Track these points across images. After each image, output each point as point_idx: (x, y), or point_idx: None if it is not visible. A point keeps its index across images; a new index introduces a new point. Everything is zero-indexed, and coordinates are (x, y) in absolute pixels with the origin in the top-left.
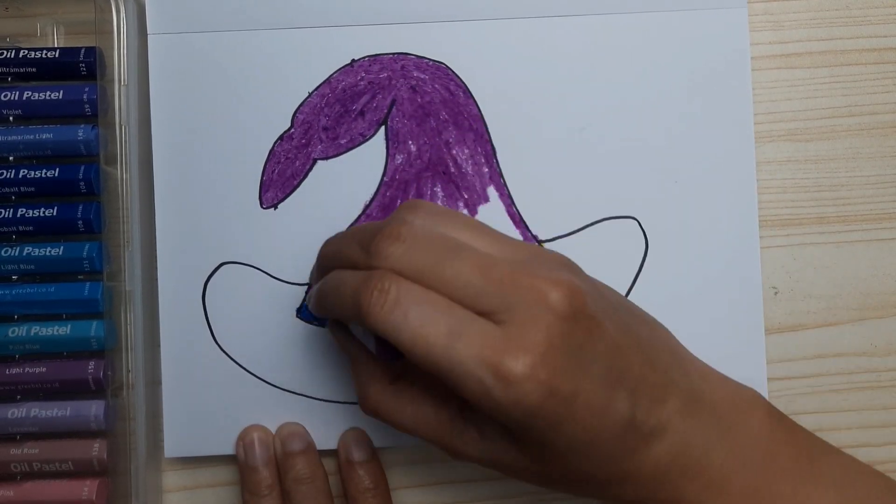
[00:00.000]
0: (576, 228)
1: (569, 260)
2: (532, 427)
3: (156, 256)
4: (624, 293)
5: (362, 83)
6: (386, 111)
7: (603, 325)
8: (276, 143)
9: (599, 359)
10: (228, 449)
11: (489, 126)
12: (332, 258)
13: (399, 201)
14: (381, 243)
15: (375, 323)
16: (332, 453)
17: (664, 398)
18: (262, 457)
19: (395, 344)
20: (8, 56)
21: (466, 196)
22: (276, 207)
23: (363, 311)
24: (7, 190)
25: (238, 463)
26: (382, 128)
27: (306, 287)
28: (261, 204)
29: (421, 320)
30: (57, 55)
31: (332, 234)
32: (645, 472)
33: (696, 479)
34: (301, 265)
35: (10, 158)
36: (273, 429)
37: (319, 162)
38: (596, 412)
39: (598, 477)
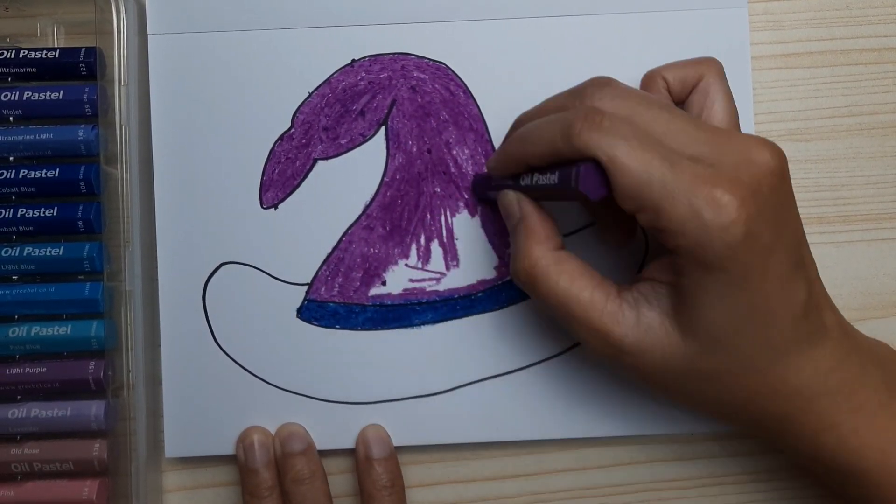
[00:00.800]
0: (576, 228)
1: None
2: (728, 270)
3: (156, 256)
4: None
5: (362, 83)
6: (386, 111)
7: (794, 202)
8: (276, 143)
9: (791, 232)
10: (229, 449)
11: (489, 126)
12: (533, 113)
13: (399, 202)
14: (593, 87)
15: (587, 142)
16: (332, 453)
17: (829, 308)
18: (262, 459)
19: (610, 161)
20: (8, 56)
21: (467, 196)
22: (276, 207)
23: (575, 133)
24: (7, 190)
25: (238, 464)
26: (383, 128)
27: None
28: (261, 204)
29: (638, 142)
30: (57, 55)
31: (332, 233)
32: (803, 377)
33: (850, 398)
34: (301, 265)
35: (11, 158)
36: (273, 429)
37: (320, 162)
38: (784, 282)
39: (755, 376)
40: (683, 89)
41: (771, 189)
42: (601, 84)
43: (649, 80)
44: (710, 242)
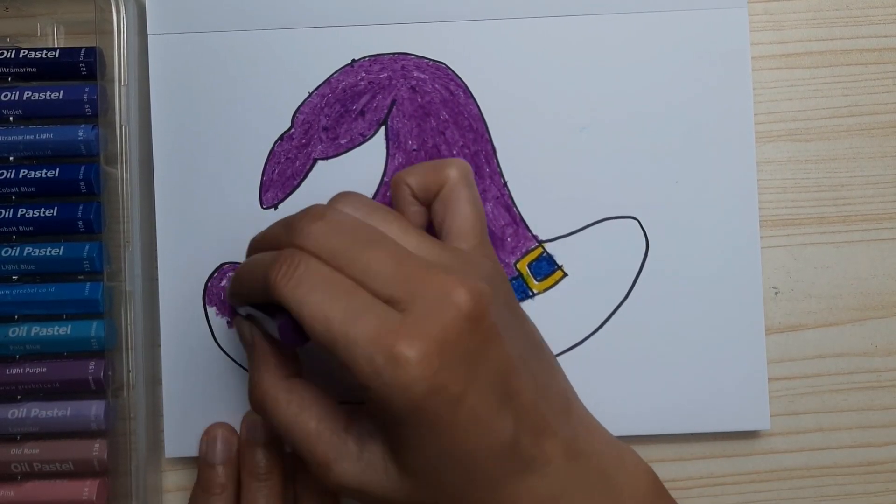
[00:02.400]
0: (576, 228)
1: (497, 271)
2: (414, 423)
3: (156, 256)
4: (624, 293)
5: (362, 83)
6: (386, 111)
7: (502, 339)
8: (276, 143)
9: (491, 371)
10: None
11: (489, 126)
12: (258, 242)
13: None
14: (302, 221)
15: (280, 295)
16: None
17: (550, 434)
18: (221, 455)
19: (297, 317)
20: (8, 56)
21: None
22: (276, 208)
23: (270, 283)
24: (7, 190)
25: (199, 457)
26: (383, 128)
27: None
28: (261, 204)
29: (323, 297)
30: (57, 55)
31: None
32: None
33: None
34: None
35: (11, 158)
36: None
37: (320, 162)
38: (480, 424)
39: None
40: (427, 196)
41: (462, 334)
42: (313, 217)
43: (395, 186)
44: (392, 399)
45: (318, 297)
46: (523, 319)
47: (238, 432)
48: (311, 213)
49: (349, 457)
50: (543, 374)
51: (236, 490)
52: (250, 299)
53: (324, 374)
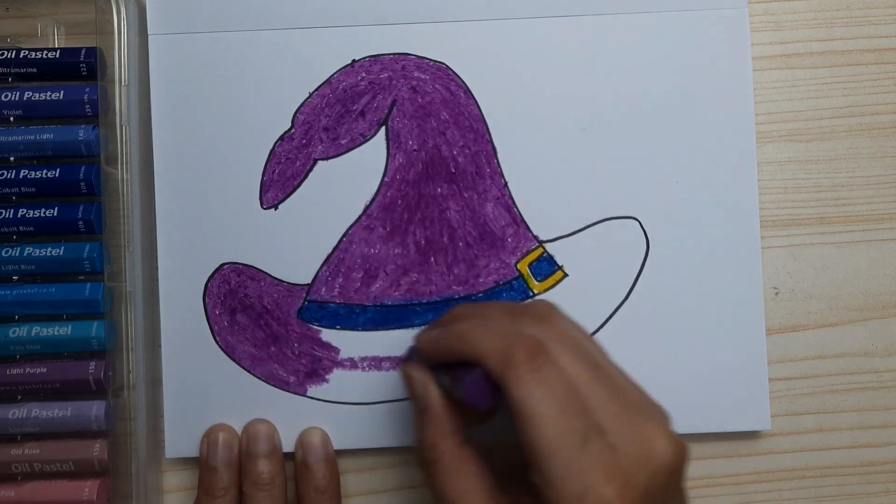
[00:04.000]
0: (577, 228)
1: (668, 414)
2: None
3: (156, 257)
4: (625, 294)
5: (363, 83)
6: (387, 111)
7: (683, 494)
8: (276, 143)
9: None
10: None
11: (490, 126)
12: (473, 312)
13: (400, 202)
14: (534, 318)
15: (520, 381)
16: (337, 453)
17: None
18: (223, 457)
19: (527, 413)
20: (8, 56)
21: (467, 196)
22: (276, 208)
23: (513, 364)
24: (8, 190)
25: (199, 460)
26: (383, 128)
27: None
28: (261, 204)
29: (564, 405)
30: (57, 55)
31: (332, 234)
32: None
33: None
34: (301, 265)
35: (11, 159)
36: (279, 430)
37: (320, 162)
38: None
39: None
40: None
41: (661, 486)
42: (544, 317)
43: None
44: None
45: (556, 406)
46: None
47: (238, 434)
48: (541, 312)
49: None
50: None
51: (238, 493)
52: (456, 355)
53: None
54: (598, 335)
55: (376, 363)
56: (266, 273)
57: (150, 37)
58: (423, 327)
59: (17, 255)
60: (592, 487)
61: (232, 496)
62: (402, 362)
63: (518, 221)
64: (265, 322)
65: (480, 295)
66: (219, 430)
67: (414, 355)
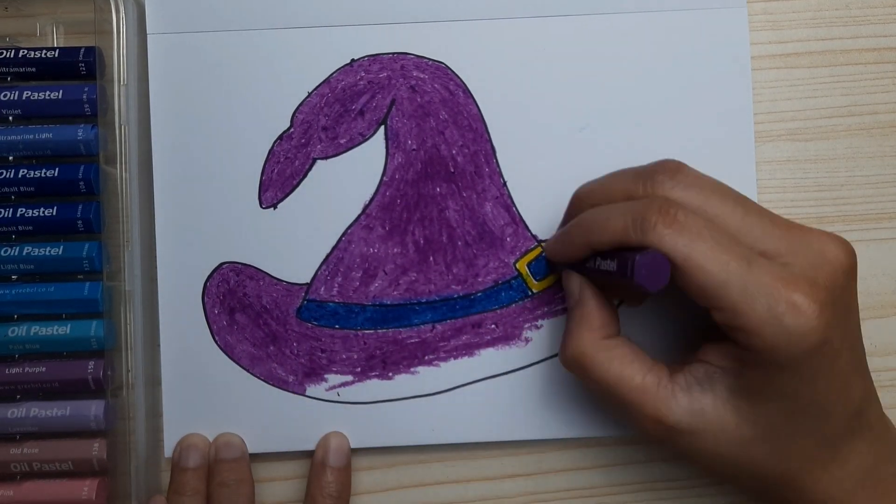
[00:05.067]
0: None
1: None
2: (794, 372)
3: (155, 256)
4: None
5: (362, 83)
6: (385, 111)
7: (857, 300)
8: (275, 142)
9: (854, 330)
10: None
11: (489, 125)
12: (597, 194)
13: (399, 201)
14: (664, 175)
15: (662, 240)
16: None
17: (876, 401)
18: (194, 461)
19: (685, 261)
20: (7, 56)
21: (466, 195)
22: (275, 207)
23: (650, 227)
24: (7, 190)
25: (171, 465)
26: (382, 127)
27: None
28: (260, 204)
29: (715, 241)
30: (56, 55)
31: (331, 233)
32: (848, 469)
33: (886, 495)
34: (300, 265)
35: (10, 158)
36: (275, 428)
37: (319, 162)
38: (844, 381)
39: (803, 460)
40: None
41: (843, 290)
42: (672, 171)
43: None
44: (787, 346)
45: (708, 243)
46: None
47: (199, 438)
48: (668, 167)
49: (679, 407)
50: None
51: (205, 499)
52: (595, 248)
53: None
54: None
55: (375, 363)
56: (265, 272)
57: (149, 36)
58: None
59: (16, 254)
60: (778, 298)
61: (202, 498)
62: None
63: (517, 221)
64: (264, 321)
65: (479, 294)
66: (192, 437)
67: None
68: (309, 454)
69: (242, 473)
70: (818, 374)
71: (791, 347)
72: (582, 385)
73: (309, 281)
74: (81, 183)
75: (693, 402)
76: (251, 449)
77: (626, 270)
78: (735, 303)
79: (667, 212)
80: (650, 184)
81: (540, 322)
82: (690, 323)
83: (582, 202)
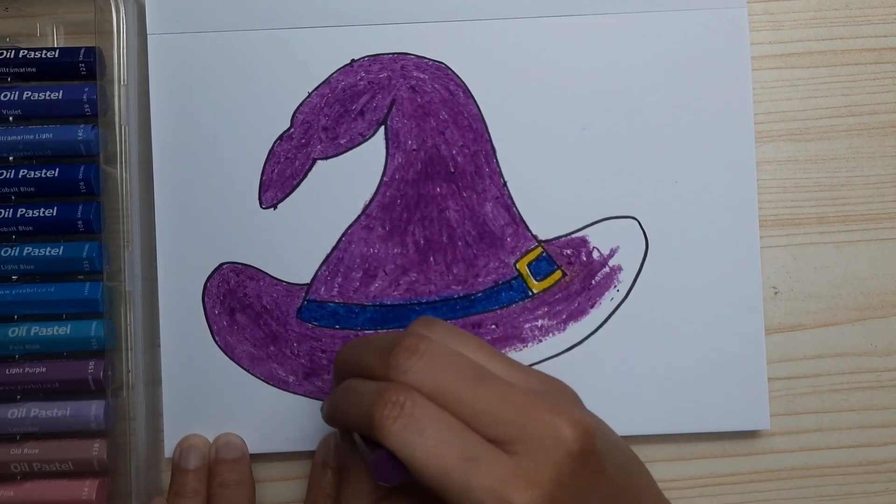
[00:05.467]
0: (576, 228)
1: (575, 394)
2: None
3: (156, 256)
4: (624, 293)
5: (362, 83)
6: (386, 111)
7: (605, 467)
8: (275, 142)
9: (598, 499)
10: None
11: (489, 126)
12: (349, 366)
13: (399, 201)
14: (400, 356)
15: (387, 437)
16: None
17: None
18: (194, 461)
19: (406, 461)
20: (8, 56)
21: (466, 195)
22: (275, 207)
23: (375, 424)
24: (7, 190)
25: (172, 466)
26: (382, 128)
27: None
28: (260, 204)
29: (436, 440)
30: (57, 55)
31: (331, 233)
32: None
33: None
34: (301, 265)
35: (10, 158)
36: (275, 429)
37: (319, 162)
38: None
39: None
40: None
41: (573, 474)
42: (410, 349)
43: None
44: None
45: (429, 440)
46: (603, 425)
47: (199, 439)
48: (407, 346)
49: None
50: (634, 476)
51: (206, 499)
52: (352, 429)
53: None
54: (597, 335)
55: None
56: (265, 273)
57: (149, 36)
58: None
59: (17, 254)
60: (498, 500)
61: (202, 499)
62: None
63: (517, 221)
64: (264, 322)
65: (479, 294)
66: (192, 438)
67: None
68: (309, 454)
69: (243, 474)
70: None
71: None
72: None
73: (309, 281)
74: (82, 183)
75: None
76: (251, 449)
77: (367, 464)
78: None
79: (393, 405)
80: (387, 366)
81: (540, 322)
82: None
83: (343, 370)
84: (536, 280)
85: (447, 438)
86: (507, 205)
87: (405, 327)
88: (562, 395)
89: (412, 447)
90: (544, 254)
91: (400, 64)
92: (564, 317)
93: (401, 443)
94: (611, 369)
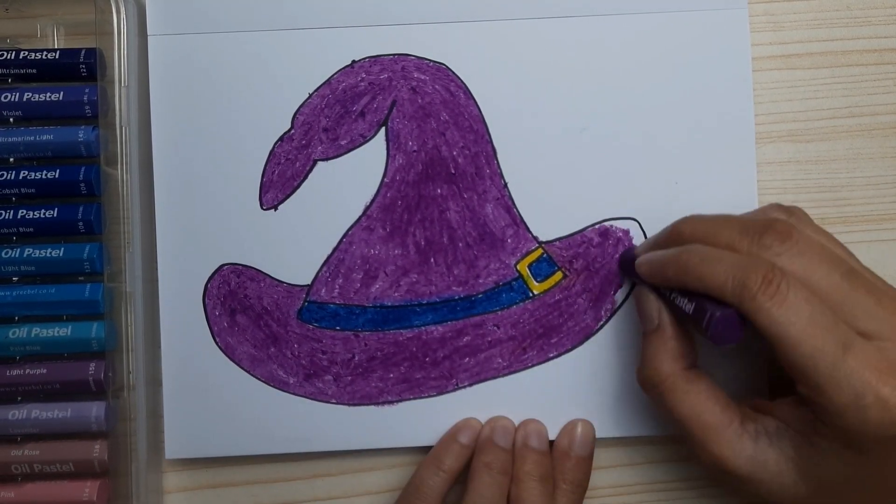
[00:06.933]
0: (576, 229)
1: None
2: (864, 455)
3: (156, 257)
4: (624, 294)
5: (363, 84)
6: (386, 112)
7: None
8: (276, 144)
9: None
10: (229, 450)
11: (490, 127)
12: (698, 233)
13: (400, 202)
14: (774, 237)
15: (761, 309)
16: (331, 454)
17: None
18: (506, 441)
19: (777, 337)
20: (8, 57)
21: (467, 196)
22: (276, 208)
23: (748, 295)
24: (7, 191)
25: (480, 437)
26: (383, 129)
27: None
28: (261, 205)
29: (811, 322)
30: (57, 56)
31: (332, 235)
32: None
33: None
34: (301, 266)
35: (11, 160)
36: (276, 430)
37: (320, 163)
38: None
39: None
40: None
41: None
42: (783, 235)
43: None
44: (865, 434)
45: (804, 323)
46: None
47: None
48: (781, 230)
49: (743, 453)
50: None
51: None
52: (685, 286)
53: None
54: (598, 335)
55: (376, 364)
56: (266, 274)
57: (149, 37)
58: (644, 243)
59: (17, 256)
60: (866, 389)
61: (508, 479)
62: (620, 267)
63: (518, 222)
64: (265, 323)
65: (480, 296)
66: (502, 419)
67: (630, 267)
68: (309, 454)
69: (509, 464)
70: (886, 460)
71: (868, 435)
72: (586, 389)
73: (310, 282)
74: (82, 184)
75: (758, 452)
76: (251, 450)
77: (702, 320)
78: (822, 385)
79: (769, 282)
80: (757, 244)
81: (540, 322)
82: (766, 364)
83: (682, 237)
84: (537, 281)
85: (822, 321)
86: (508, 206)
87: (407, 329)
88: None
89: (787, 324)
90: (545, 255)
91: (401, 65)
92: (565, 317)
93: (776, 317)
94: (610, 370)
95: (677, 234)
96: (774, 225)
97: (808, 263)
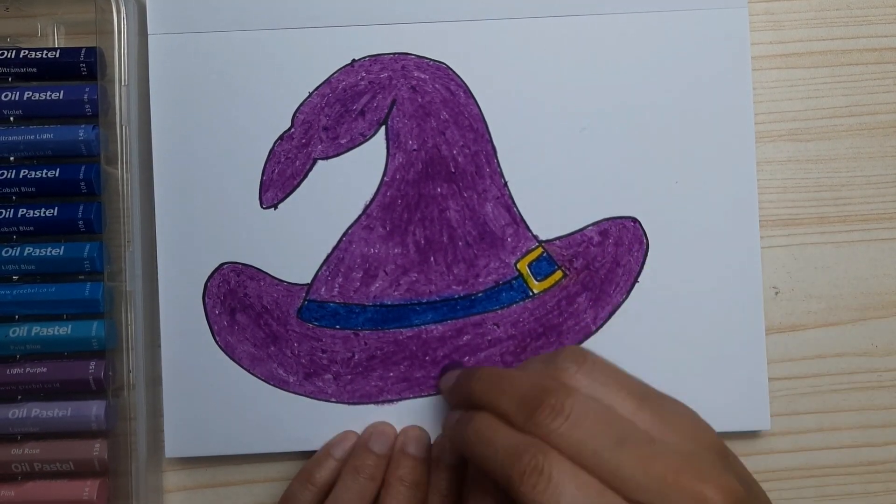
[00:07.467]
0: (576, 228)
1: (724, 447)
2: None
3: (156, 256)
4: (624, 294)
5: (363, 83)
6: (386, 111)
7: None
8: (276, 142)
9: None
10: (229, 449)
11: (490, 126)
12: (485, 400)
13: (399, 201)
14: (544, 416)
15: (524, 498)
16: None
17: None
18: (383, 446)
19: None
20: (8, 56)
21: (467, 195)
22: (276, 207)
23: (514, 485)
24: (8, 190)
25: (356, 444)
26: (383, 128)
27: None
28: (261, 204)
29: (575, 502)
30: (57, 55)
31: (332, 233)
32: None
33: None
34: (301, 265)
35: (11, 159)
36: (276, 429)
37: (320, 162)
38: None
39: None
40: None
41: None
42: (556, 410)
43: None
44: None
45: None
46: (761, 494)
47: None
48: (553, 406)
49: None
50: None
51: (378, 486)
52: (481, 469)
53: None
54: (598, 335)
55: (376, 363)
56: (266, 273)
57: (149, 36)
58: (448, 376)
59: (17, 254)
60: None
61: (376, 486)
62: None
63: (518, 221)
64: (265, 322)
65: (480, 294)
66: (385, 426)
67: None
68: (309, 454)
69: (424, 475)
70: None
71: None
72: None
73: (309, 281)
74: (82, 183)
75: None
76: (251, 449)
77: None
78: None
79: (533, 469)
80: (531, 423)
81: (540, 322)
82: None
83: (473, 398)
84: (537, 280)
85: (586, 501)
86: (508, 205)
87: (407, 327)
88: (709, 454)
89: None
90: (545, 254)
91: (401, 64)
92: (565, 316)
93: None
94: None
95: (469, 394)
96: (548, 399)
97: (580, 437)
